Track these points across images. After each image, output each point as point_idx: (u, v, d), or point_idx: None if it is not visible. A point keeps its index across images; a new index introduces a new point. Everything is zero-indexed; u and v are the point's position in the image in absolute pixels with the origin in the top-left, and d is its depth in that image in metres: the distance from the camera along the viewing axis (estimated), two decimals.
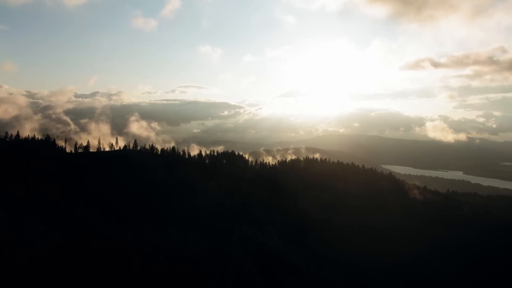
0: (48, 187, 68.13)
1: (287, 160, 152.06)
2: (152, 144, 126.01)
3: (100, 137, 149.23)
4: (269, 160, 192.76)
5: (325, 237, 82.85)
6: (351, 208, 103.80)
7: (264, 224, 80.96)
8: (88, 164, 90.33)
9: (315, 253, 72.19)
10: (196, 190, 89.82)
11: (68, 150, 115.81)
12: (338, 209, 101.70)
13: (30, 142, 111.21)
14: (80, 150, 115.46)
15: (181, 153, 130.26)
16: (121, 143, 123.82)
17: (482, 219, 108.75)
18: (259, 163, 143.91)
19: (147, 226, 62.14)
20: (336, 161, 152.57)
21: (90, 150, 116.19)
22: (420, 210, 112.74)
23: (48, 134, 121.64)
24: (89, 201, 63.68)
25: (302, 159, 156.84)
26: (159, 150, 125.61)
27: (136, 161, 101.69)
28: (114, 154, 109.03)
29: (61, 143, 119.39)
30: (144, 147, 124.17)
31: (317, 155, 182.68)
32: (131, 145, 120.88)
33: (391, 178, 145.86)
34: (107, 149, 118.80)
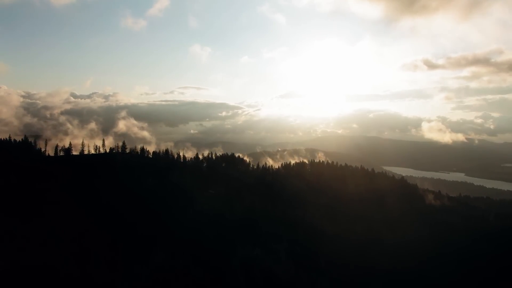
0: (7, 198, 55.70)
1: (291, 163, 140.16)
2: (142, 146, 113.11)
3: (86, 139, 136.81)
4: (271, 162, 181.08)
5: (341, 257, 70.96)
6: (366, 220, 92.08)
7: (270, 241, 68.97)
8: (64, 169, 77.54)
9: (333, 280, 60.12)
10: (191, 200, 77.57)
11: (48, 153, 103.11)
12: (352, 221, 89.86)
13: (4, 144, 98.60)
14: (61, 153, 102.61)
15: (176, 156, 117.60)
16: (112, 145, 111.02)
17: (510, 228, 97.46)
18: (260, 166, 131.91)
19: (126, 250, 49.89)
20: (343, 164, 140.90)
21: (73, 153, 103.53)
22: (441, 219, 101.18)
23: (25, 135, 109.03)
24: (54, 218, 51.27)
25: (307, 161, 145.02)
26: (151, 153, 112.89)
27: (123, 166, 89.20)
28: (98, 158, 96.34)
29: (42, 145, 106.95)
30: (135, 149, 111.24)
31: (322, 158, 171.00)
32: (120, 147, 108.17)
33: (404, 183, 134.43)
34: (92, 151, 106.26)
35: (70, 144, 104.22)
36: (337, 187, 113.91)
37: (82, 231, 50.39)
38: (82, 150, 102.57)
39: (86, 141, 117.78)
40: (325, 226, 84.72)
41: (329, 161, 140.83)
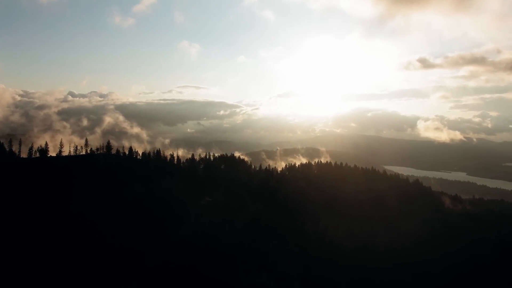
0: None
1: (296, 165, 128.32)
2: (130, 147, 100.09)
3: (69, 138, 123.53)
4: (271, 163, 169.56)
5: (365, 279, 59.11)
6: (387, 228, 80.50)
7: (279, 261, 56.92)
8: (34, 173, 64.62)
9: None
10: (184, 211, 65.20)
11: (21, 154, 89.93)
12: (371, 231, 78.21)
13: None
14: (36, 155, 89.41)
15: (169, 157, 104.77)
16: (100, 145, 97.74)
17: None
18: (262, 167, 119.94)
19: (99, 276, 37.44)
20: (352, 165, 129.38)
21: (50, 155, 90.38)
22: (469, 228, 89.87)
23: None
24: (16, 237, 38.71)
25: (312, 162, 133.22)
26: (140, 154, 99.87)
27: (106, 170, 76.57)
28: (76, 160, 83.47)
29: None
30: (122, 149, 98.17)
31: (327, 157, 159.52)
32: (104, 147, 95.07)
33: (420, 186, 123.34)
34: (72, 152, 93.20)
35: (46, 144, 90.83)
36: (348, 191, 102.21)
37: (45, 250, 37.85)
38: (60, 151, 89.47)
39: (70, 140, 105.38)
40: (341, 237, 72.91)
41: (337, 163, 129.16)
